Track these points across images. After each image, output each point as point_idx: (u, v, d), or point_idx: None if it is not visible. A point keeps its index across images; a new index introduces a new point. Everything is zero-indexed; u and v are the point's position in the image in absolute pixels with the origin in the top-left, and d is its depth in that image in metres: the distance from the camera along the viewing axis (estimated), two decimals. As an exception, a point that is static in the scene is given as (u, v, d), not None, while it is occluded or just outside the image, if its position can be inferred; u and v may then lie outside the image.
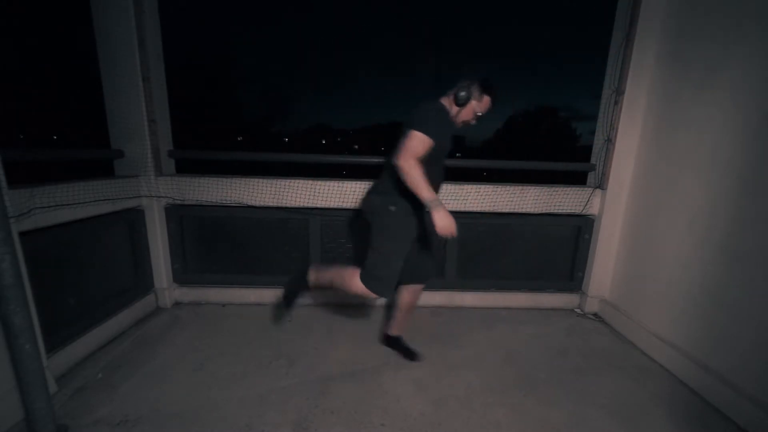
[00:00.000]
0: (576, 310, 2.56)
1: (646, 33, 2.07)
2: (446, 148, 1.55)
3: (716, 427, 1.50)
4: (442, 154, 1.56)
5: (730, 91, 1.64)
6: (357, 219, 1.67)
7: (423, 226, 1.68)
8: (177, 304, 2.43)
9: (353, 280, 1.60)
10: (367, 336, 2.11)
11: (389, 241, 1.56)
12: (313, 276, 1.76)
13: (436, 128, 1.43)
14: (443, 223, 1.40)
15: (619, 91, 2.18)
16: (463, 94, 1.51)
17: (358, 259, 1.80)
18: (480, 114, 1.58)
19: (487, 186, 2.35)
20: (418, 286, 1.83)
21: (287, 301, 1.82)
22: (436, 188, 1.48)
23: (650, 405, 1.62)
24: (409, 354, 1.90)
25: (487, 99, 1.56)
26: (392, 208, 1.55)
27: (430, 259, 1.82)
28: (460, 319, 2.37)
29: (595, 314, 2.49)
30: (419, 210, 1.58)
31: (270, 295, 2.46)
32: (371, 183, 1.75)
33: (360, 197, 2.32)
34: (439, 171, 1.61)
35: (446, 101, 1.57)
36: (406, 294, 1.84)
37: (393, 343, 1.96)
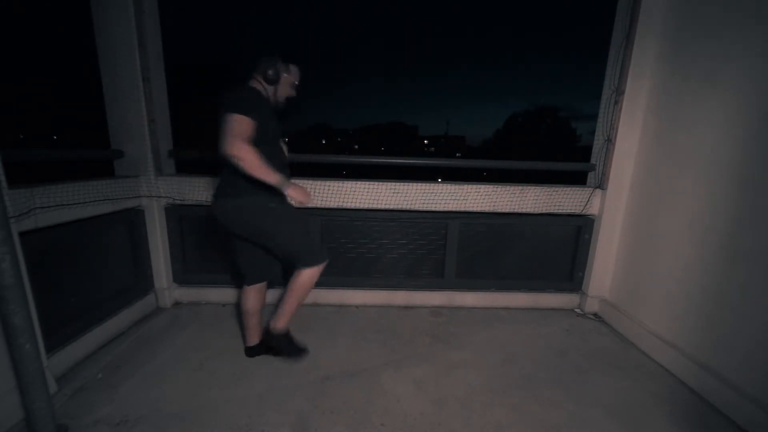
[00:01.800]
0: (576, 310, 2.56)
1: (646, 33, 2.07)
2: (274, 128, 1.53)
3: (716, 427, 1.50)
4: (272, 136, 1.53)
5: (731, 90, 1.64)
6: (222, 230, 1.62)
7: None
8: (177, 304, 2.43)
9: (303, 279, 1.64)
10: (367, 336, 2.11)
11: (285, 223, 1.59)
12: (281, 324, 1.74)
13: (252, 107, 1.39)
14: (299, 195, 1.45)
15: (619, 91, 2.18)
16: (271, 72, 1.51)
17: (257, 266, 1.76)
18: (297, 83, 1.61)
19: (487, 186, 2.35)
20: (263, 285, 1.81)
21: (297, 353, 1.84)
22: (280, 170, 1.45)
23: (650, 405, 1.62)
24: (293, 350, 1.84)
25: (294, 68, 1.58)
26: (271, 205, 1.55)
27: (274, 258, 1.79)
28: (460, 319, 2.37)
29: (595, 314, 2.49)
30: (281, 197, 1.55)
31: (270, 295, 2.45)
32: (219, 185, 1.62)
33: (360, 197, 2.33)
34: (276, 152, 1.57)
35: (256, 84, 1.54)
36: (253, 294, 1.78)
37: (255, 352, 1.86)
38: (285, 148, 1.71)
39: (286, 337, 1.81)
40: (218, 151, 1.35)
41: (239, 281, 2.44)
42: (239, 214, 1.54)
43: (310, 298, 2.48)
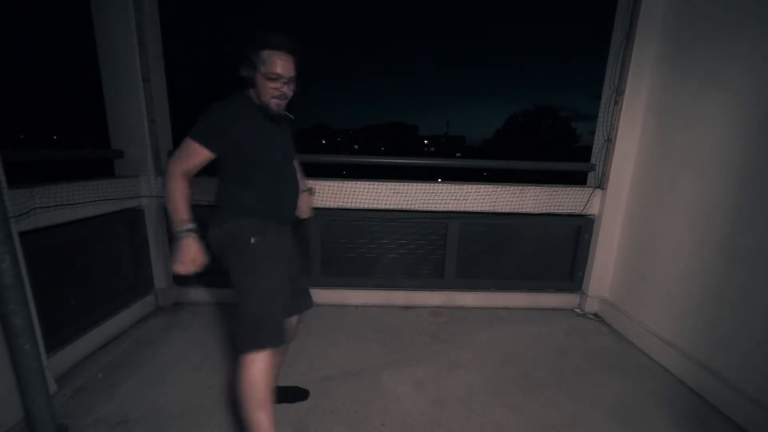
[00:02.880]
0: (576, 310, 2.56)
1: (646, 33, 2.07)
2: (269, 149, 1.23)
3: (716, 427, 1.50)
4: (263, 158, 1.22)
5: (731, 90, 1.64)
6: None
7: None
8: (177, 304, 2.43)
9: (244, 373, 1.13)
10: (367, 336, 2.11)
11: (253, 271, 1.23)
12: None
13: (206, 131, 1.15)
14: (179, 259, 1.17)
15: (619, 91, 2.18)
16: (243, 71, 1.16)
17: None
18: (281, 74, 1.14)
19: (487, 186, 2.35)
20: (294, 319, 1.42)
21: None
22: (280, 206, 1.25)
23: (650, 405, 1.62)
24: (299, 394, 1.57)
25: (268, 54, 1.13)
26: (252, 239, 1.23)
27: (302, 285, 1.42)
28: (460, 319, 2.37)
29: (595, 314, 2.49)
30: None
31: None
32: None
33: (360, 197, 2.33)
34: (277, 183, 1.26)
35: (249, 91, 1.22)
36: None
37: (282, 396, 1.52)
38: (299, 175, 1.41)
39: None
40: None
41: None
42: (216, 248, 1.27)
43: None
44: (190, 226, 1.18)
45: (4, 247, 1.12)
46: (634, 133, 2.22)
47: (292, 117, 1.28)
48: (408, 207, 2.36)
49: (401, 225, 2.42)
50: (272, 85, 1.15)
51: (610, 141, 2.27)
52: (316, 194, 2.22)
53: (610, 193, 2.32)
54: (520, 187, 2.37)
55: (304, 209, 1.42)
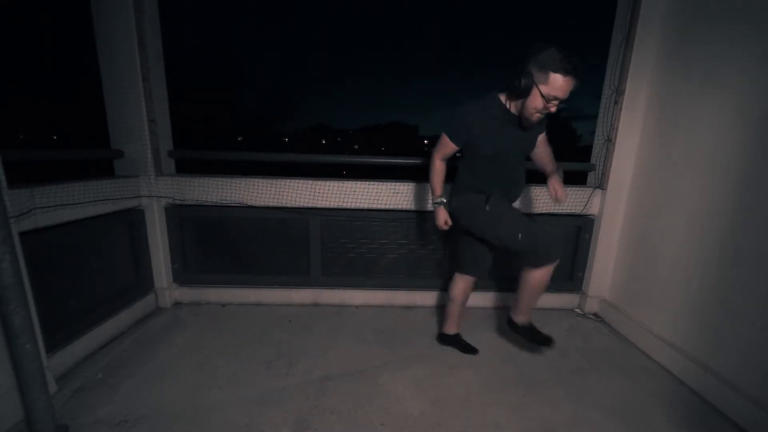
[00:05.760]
0: (576, 310, 2.56)
1: (646, 33, 2.07)
2: (504, 144, 1.50)
3: (716, 427, 1.50)
4: (496, 152, 1.52)
5: (731, 90, 1.64)
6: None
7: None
8: (177, 304, 2.43)
9: (532, 276, 1.71)
10: (367, 336, 2.11)
11: (496, 221, 1.61)
12: (522, 318, 1.81)
13: (455, 128, 1.49)
14: (437, 219, 1.63)
15: (619, 91, 2.18)
16: (518, 82, 1.23)
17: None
18: (560, 98, 1.23)
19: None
20: (474, 279, 1.87)
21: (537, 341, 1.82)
22: (501, 188, 1.60)
23: (650, 405, 1.62)
24: (469, 348, 1.94)
25: (557, 77, 1.19)
26: (484, 206, 1.57)
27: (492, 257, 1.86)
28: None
29: (595, 314, 2.49)
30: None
31: (270, 295, 2.46)
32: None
33: (360, 197, 2.33)
34: (503, 170, 1.59)
35: (500, 94, 1.44)
36: (464, 285, 1.86)
37: (449, 340, 1.98)
38: (548, 159, 1.73)
39: (531, 328, 1.84)
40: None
41: (244, 280, 2.45)
42: (455, 213, 1.66)
43: (309, 298, 2.49)
44: (441, 199, 1.63)
45: (4, 247, 1.12)
46: (634, 133, 2.22)
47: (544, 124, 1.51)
48: (408, 207, 2.35)
49: (402, 225, 2.41)
50: (547, 105, 1.25)
51: (610, 141, 2.27)
52: (313, 192, 2.29)
53: (610, 193, 2.32)
54: (520, 187, 2.36)
55: (557, 193, 1.63)
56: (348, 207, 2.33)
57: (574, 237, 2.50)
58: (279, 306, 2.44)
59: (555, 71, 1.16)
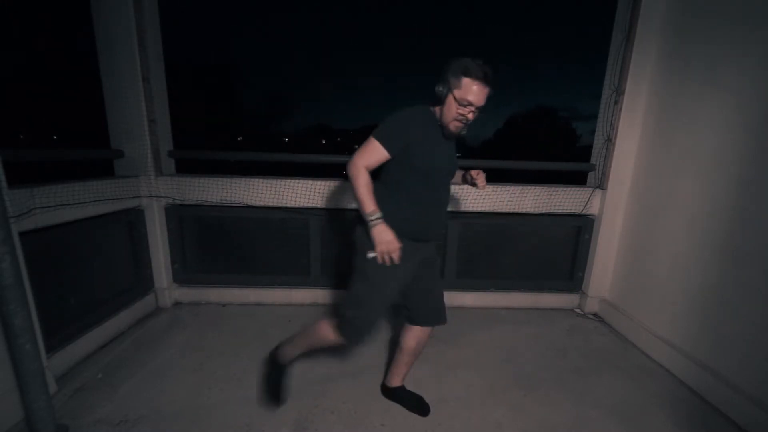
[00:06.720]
0: (576, 310, 2.56)
1: (646, 33, 2.07)
2: (432, 159, 1.27)
3: (716, 427, 1.50)
4: (425, 168, 1.26)
5: (730, 90, 1.64)
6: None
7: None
8: (177, 304, 2.43)
9: (319, 328, 1.41)
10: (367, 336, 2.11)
11: (368, 277, 1.29)
12: (287, 352, 1.52)
13: (386, 133, 1.22)
14: (380, 246, 1.18)
15: (619, 91, 2.18)
16: (438, 87, 1.22)
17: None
18: (473, 103, 1.18)
19: (487, 186, 2.35)
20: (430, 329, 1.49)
21: (273, 396, 1.54)
22: (426, 211, 1.30)
23: (650, 405, 1.62)
24: (419, 406, 1.56)
25: (468, 82, 1.17)
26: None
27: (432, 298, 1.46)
28: (460, 319, 2.37)
29: (595, 314, 2.49)
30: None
31: (270, 295, 2.46)
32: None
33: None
34: (428, 189, 1.30)
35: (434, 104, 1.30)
36: (416, 335, 1.48)
37: (394, 395, 1.62)
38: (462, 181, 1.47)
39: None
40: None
41: (244, 280, 2.45)
42: (356, 243, 1.33)
43: (309, 298, 2.49)
44: (378, 213, 1.20)
45: (4, 247, 1.12)
46: (634, 133, 2.22)
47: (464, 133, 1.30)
48: (408, 207, 2.35)
49: (401, 225, 2.41)
50: (460, 110, 1.20)
51: (610, 141, 2.27)
52: (313, 192, 2.20)
53: (610, 193, 2.32)
54: (520, 187, 2.37)
55: (477, 177, 1.42)
56: (348, 207, 2.33)
57: (574, 237, 2.50)
58: (279, 306, 2.44)
59: (466, 75, 1.18)
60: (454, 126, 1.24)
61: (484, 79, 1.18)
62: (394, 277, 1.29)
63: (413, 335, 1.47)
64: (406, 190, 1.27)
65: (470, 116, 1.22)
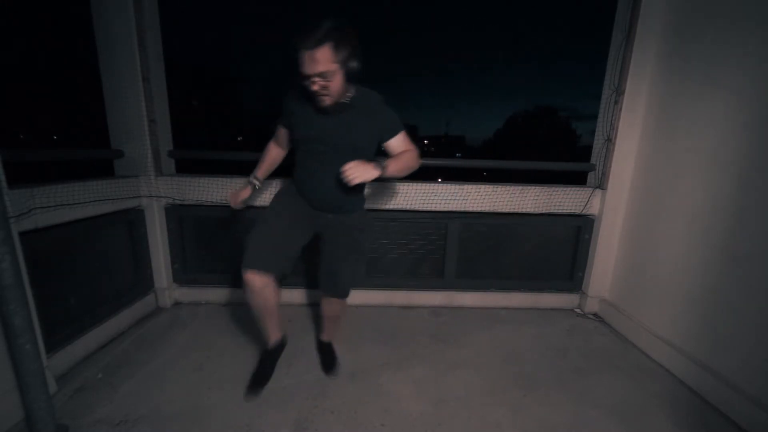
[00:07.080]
0: (576, 310, 2.56)
1: (646, 33, 2.07)
2: (304, 132, 1.39)
3: (716, 427, 1.50)
4: (299, 139, 1.42)
5: (731, 90, 1.64)
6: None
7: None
8: (177, 304, 2.43)
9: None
10: (367, 336, 2.11)
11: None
12: (264, 335, 1.65)
13: (283, 109, 1.47)
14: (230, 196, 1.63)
15: (619, 91, 2.18)
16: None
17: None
18: (306, 73, 1.18)
19: (487, 186, 2.35)
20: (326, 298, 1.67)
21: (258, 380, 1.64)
22: (304, 179, 1.48)
23: (650, 405, 1.62)
24: (326, 364, 1.77)
25: (300, 54, 1.17)
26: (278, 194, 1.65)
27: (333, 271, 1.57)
28: (460, 319, 2.37)
29: (595, 314, 2.49)
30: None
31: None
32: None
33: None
34: (304, 159, 1.45)
35: None
36: (323, 302, 1.72)
37: (320, 347, 1.89)
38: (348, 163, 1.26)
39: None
40: None
41: (239, 281, 2.44)
42: None
43: (309, 299, 2.48)
44: (253, 178, 1.66)
45: (4, 247, 1.12)
46: (634, 133, 2.22)
47: (348, 101, 1.32)
48: (408, 207, 2.35)
49: (401, 225, 2.41)
50: (306, 84, 1.22)
51: (610, 141, 2.27)
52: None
53: (610, 193, 2.32)
54: (520, 187, 2.36)
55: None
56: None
57: (574, 237, 2.50)
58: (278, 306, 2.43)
59: (297, 50, 1.17)
60: (319, 100, 1.24)
61: (305, 46, 1.14)
62: (274, 214, 1.52)
63: (323, 301, 1.70)
64: (296, 158, 1.50)
65: (315, 87, 1.20)
